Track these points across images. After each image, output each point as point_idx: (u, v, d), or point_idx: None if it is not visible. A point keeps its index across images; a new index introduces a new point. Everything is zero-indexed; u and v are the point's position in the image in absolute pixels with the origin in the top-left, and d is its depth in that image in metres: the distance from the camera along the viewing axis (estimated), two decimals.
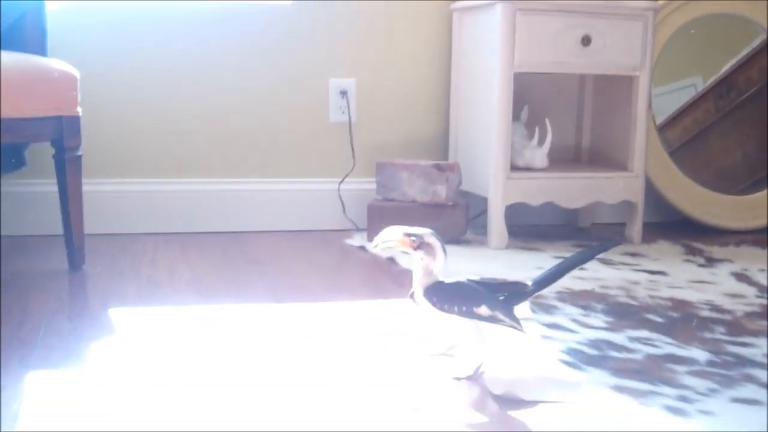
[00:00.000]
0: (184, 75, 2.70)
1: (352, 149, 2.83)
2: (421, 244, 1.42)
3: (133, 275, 2.12)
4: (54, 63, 2.11)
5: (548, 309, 1.85)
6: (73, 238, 2.13)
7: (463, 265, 2.25)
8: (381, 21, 2.82)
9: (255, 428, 1.19)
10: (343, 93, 2.82)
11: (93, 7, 2.60)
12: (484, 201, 2.59)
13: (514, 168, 2.60)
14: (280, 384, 1.38)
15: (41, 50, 2.31)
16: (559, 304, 1.88)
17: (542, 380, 1.42)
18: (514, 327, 1.43)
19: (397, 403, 1.31)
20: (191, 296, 1.93)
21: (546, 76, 2.75)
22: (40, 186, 2.55)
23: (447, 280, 1.45)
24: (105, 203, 2.64)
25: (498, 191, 2.52)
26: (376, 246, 1.46)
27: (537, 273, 2.14)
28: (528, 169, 2.64)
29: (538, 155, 2.65)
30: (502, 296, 1.44)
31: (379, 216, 2.59)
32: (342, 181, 2.82)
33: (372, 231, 2.59)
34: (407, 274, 2.17)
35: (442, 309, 1.42)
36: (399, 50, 2.85)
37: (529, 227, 2.82)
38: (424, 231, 1.43)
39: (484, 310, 1.42)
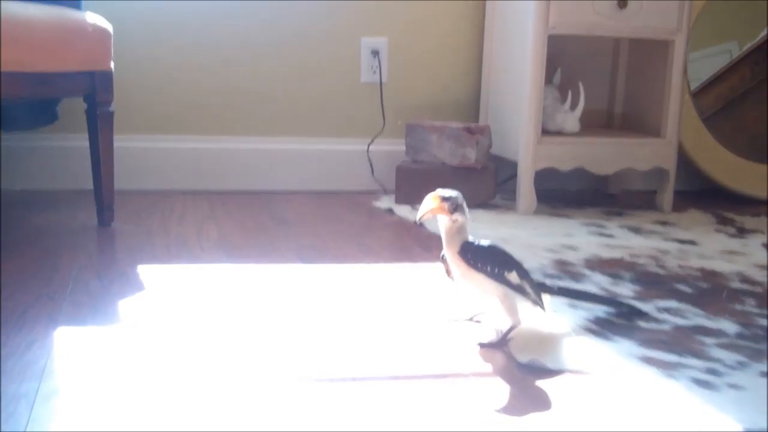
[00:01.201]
0: (216, 33, 2.69)
1: (383, 110, 2.82)
2: (456, 207, 1.42)
3: (162, 232, 2.13)
4: (88, 17, 2.10)
5: (576, 277, 1.83)
6: (103, 193, 2.14)
7: (491, 230, 2.24)
8: None
9: (277, 386, 1.20)
10: (375, 53, 2.80)
11: None
12: (513, 165, 2.57)
13: (545, 132, 2.57)
14: (304, 344, 1.38)
15: (75, 4, 2.30)
16: (588, 272, 1.87)
17: (568, 349, 1.41)
18: (537, 303, 1.45)
19: (419, 368, 1.31)
20: (219, 255, 1.94)
21: (580, 38, 2.71)
22: (71, 141, 2.56)
23: (480, 241, 1.45)
24: (135, 159, 2.64)
25: (528, 155, 2.50)
26: (420, 219, 1.44)
27: (565, 239, 2.16)
28: (559, 133, 2.61)
29: (570, 119, 2.62)
30: None
31: (407, 178, 2.58)
32: (371, 142, 2.81)
33: (400, 193, 2.58)
34: (434, 237, 2.16)
35: (475, 267, 1.42)
36: (432, 10, 2.82)
37: (558, 192, 2.80)
38: (454, 192, 1.43)
39: (514, 276, 1.42)
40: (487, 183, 2.58)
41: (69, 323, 1.44)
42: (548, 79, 2.64)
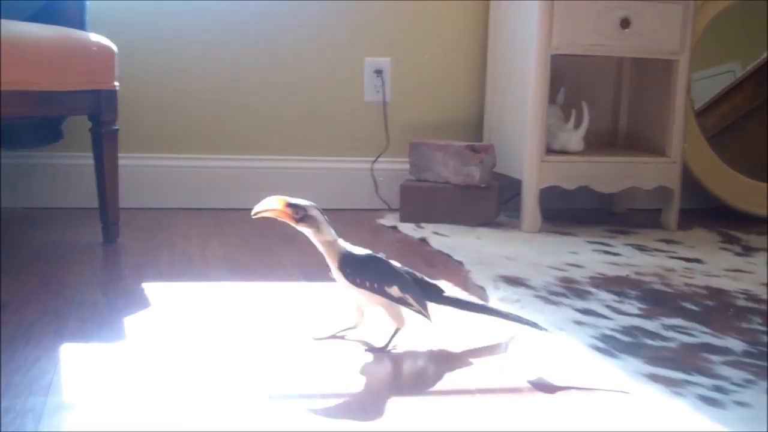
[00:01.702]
0: (220, 52, 2.70)
1: (386, 129, 2.82)
2: (303, 217, 1.41)
3: (167, 249, 2.13)
4: (92, 37, 2.11)
5: (581, 294, 1.83)
6: (108, 211, 2.15)
7: (496, 248, 2.24)
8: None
9: (280, 405, 1.19)
10: (378, 72, 2.81)
11: None
12: (518, 183, 2.57)
13: (550, 151, 2.58)
14: (307, 361, 1.38)
15: (80, 24, 2.31)
16: (593, 290, 1.87)
17: (575, 366, 1.41)
18: (421, 313, 1.44)
19: (429, 384, 1.30)
20: (223, 272, 1.94)
21: (583, 58, 2.72)
22: (76, 159, 2.56)
23: (361, 253, 1.45)
24: (140, 177, 2.65)
25: (532, 174, 2.50)
26: (254, 214, 1.42)
27: (570, 257, 2.16)
28: (563, 152, 2.62)
29: (574, 138, 2.63)
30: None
31: (412, 196, 2.59)
32: (375, 161, 2.82)
33: (405, 211, 2.58)
34: (440, 254, 2.17)
35: (353, 282, 1.42)
36: (435, 29, 2.83)
37: (562, 211, 2.80)
38: (307, 203, 1.43)
39: (395, 290, 1.42)
40: (491, 201, 2.58)
41: (75, 339, 1.44)
42: (552, 98, 2.65)
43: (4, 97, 1.90)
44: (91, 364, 1.33)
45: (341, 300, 1.74)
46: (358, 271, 1.42)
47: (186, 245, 2.19)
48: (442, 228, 2.46)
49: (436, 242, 2.29)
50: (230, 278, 1.89)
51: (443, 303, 1.50)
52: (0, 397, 1.17)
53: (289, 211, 1.41)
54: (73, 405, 1.16)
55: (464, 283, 1.89)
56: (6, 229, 2.36)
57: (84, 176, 2.38)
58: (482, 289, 1.83)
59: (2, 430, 1.07)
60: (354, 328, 1.50)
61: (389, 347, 1.44)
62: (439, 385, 1.30)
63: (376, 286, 1.42)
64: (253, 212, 1.42)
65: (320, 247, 1.44)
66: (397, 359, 1.42)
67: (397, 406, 1.21)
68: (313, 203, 1.43)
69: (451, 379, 1.33)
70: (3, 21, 1.96)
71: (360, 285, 1.42)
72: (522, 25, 2.56)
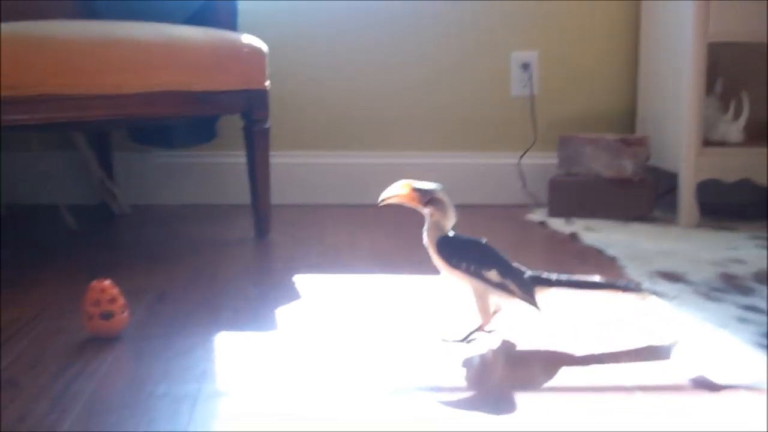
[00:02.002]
0: (365, 50, 2.73)
1: (534, 123, 2.77)
2: (431, 200, 1.37)
3: (316, 243, 2.16)
4: (244, 38, 2.16)
5: (745, 291, 1.73)
6: (259, 207, 2.19)
7: (652, 243, 2.15)
8: None
9: (430, 395, 1.18)
10: (525, 66, 2.76)
11: None
12: (673, 177, 2.47)
13: (707, 143, 2.46)
14: (453, 354, 1.36)
15: (232, 26, 2.38)
16: (756, 285, 1.76)
17: (739, 364, 1.33)
18: (526, 300, 1.37)
19: (596, 379, 1.26)
20: (371, 265, 1.95)
21: (742, 46, 2.58)
22: (230, 157, 2.64)
23: (459, 236, 1.39)
24: (291, 174, 2.70)
25: (689, 167, 2.39)
26: (381, 201, 1.38)
27: (731, 253, 2.05)
28: (722, 144, 2.49)
29: (733, 129, 2.50)
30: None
31: (561, 191, 2.53)
32: (523, 155, 2.77)
33: (554, 206, 2.52)
34: (591, 250, 2.10)
35: (449, 263, 1.37)
36: (583, 21, 2.76)
37: (721, 205, 2.67)
38: (434, 186, 1.38)
39: (493, 275, 1.36)
40: (645, 196, 2.49)
41: (228, 329, 1.47)
42: (709, 88, 2.53)
43: (163, 97, 1.97)
44: (244, 354, 1.35)
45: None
46: (455, 252, 1.38)
47: (334, 239, 2.21)
48: (594, 223, 2.39)
49: (588, 238, 2.22)
50: (377, 271, 1.89)
51: (551, 285, 1.42)
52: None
53: (415, 195, 1.38)
54: (227, 392, 1.18)
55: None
56: (163, 225, 2.45)
57: (237, 174, 2.45)
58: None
59: (159, 414, 1.10)
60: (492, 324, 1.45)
61: (465, 340, 1.40)
62: (594, 382, 1.26)
63: (472, 268, 1.36)
64: (379, 199, 1.40)
65: (427, 232, 1.40)
66: (544, 355, 1.38)
67: (553, 401, 1.18)
68: (439, 186, 1.40)
69: (606, 376, 1.28)
70: (162, 25, 2.03)
71: (456, 266, 1.37)
72: (677, 13, 2.45)
